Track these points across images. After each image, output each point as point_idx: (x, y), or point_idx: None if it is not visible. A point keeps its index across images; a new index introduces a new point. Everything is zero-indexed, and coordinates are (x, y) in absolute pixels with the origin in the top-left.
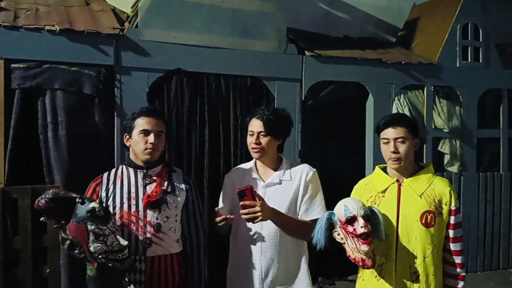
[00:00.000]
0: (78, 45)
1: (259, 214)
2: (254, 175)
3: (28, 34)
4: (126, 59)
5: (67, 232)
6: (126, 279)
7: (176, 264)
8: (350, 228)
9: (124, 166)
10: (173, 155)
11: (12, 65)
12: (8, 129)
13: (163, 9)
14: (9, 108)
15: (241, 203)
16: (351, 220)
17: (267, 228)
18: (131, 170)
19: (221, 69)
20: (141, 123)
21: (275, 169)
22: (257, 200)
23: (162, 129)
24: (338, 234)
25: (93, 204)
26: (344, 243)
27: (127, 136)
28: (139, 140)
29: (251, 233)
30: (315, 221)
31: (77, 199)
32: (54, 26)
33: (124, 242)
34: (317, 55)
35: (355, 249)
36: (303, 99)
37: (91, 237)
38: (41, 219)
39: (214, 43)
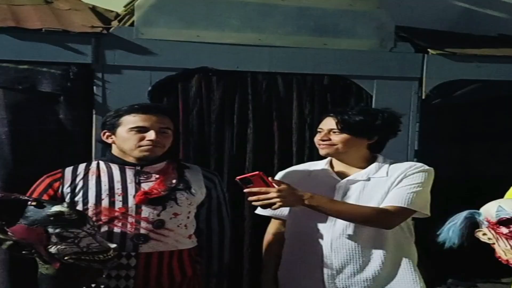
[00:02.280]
0: (32, 43)
1: (276, 200)
2: (327, 173)
3: None
4: (113, 57)
5: (9, 233)
6: (104, 276)
7: (188, 259)
8: (503, 230)
9: (101, 162)
10: (193, 153)
11: None
12: None
13: (178, 8)
14: None
15: (246, 190)
16: (506, 222)
17: (335, 224)
18: (114, 166)
19: (277, 68)
20: (132, 120)
21: (364, 168)
22: (273, 186)
23: (167, 126)
24: (484, 234)
25: (59, 208)
26: (493, 244)
27: (107, 133)
28: (129, 137)
29: (315, 230)
30: (399, 209)
31: (31, 202)
32: None
33: (111, 245)
34: (451, 53)
35: (508, 251)
36: (423, 98)
37: (53, 240)
38: None
39: (266, 42)
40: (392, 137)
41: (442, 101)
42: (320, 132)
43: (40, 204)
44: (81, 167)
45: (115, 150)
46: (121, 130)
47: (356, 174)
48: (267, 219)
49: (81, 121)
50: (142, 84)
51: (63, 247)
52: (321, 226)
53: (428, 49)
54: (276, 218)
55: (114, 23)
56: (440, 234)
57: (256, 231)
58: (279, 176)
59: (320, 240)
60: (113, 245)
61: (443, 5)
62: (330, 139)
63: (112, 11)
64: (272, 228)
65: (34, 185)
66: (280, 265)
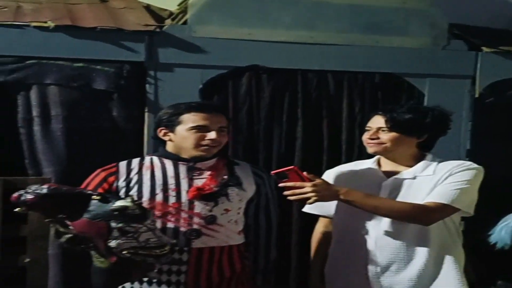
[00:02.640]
0: (86, 41)
1: (311, 194)
2: (374, 171)
3: (1, 30)
4: (165, 56)
5: (70, 227)
6: (155, 270)
7: (237, 255)
8: None
9: (155, 157)
10: (242, 150)
11: None
12: None
13: (231, 6)
14: None
15: (281, 184)
16: None
17: (380, 222)
18: (168, 162)
19: (328, 66)
20: (192, 119)
21: (412, 167)
22: (308, 180)
23: (224, 125)
24: None
25: (123, 203)
26: None
27: (164, 131)
28: (189, 135)
29: (361, 227)
30: (439, 205)
31: (94, 196)
32: (46, 22)
33: (171, 241)
34: (505, 51)
35: None
36: (476, 96)
37: (114, 234)
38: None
39: (317, 39)
40: (442, 135)
41: (495, 100)
42: (368, 130)
43: (104, 199)
44: (135, 161)
45: (170, 147)
46: (181, 129)
47: (403, 172)
48: (315, 217)
49: (133, 119)
50: (194, 82)
51: (122, 241)
52: (366, 224)
53: (482, 47)
54: (323, 217)
55: (168, 22)
56: (492, 235)
57: (304, 229)
58: (326, 174)
59: (365, 238)
60: (173, 241)
61: (497, 3)
62: (378, 138)
63: (166, 10)
64: (320, 226)
65: (89, 179)
66: (327, 262)
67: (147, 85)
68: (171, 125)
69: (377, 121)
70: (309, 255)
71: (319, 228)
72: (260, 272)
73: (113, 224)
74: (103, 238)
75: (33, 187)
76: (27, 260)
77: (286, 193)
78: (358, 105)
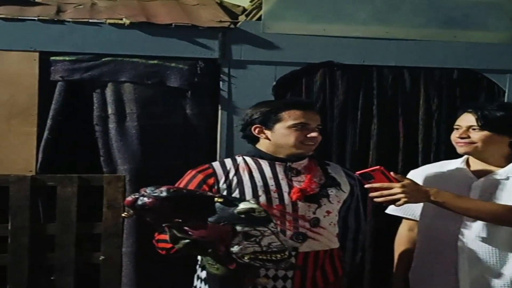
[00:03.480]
0: (161, 38)
1: (400, 195)
2: (463, 171)
3: (77, 28)
4: (239, 52)
5: (189, 232)
6: (264, 277)
7: (337, 258)
8: None
9: (247, 157)
10: (315, 148)
11: (53, 58)
12: (45, 120)
13: (305, 1)
14: (45, 100)
15: (367, 185)
16: None
17: (470, 225)
18: (264, 162)
19: (404, 62)
20: (294, 116)
21: (504, 167)
22: (395, 181)
23: (320, 123)
24: None
25: (249, 205)
26: None
27: (259, 128)
28: (290, 133)
29: (450, 230)
30: None
31: (217, 199)
32: (121, 19)
33: (295, 244)
34: None
35: None
36: None
37: (238, 238)
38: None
39: (393, 35)
40: None
41: None
42: (457, 129)
43: (227, 201)
44: (228, 162)
45: (263, 145)
46: (281, 126)
47: (495, 172)
48: (389, 219)
49: (206, 116)
50: (267, 79)
51: (246, 246)
52: (455, 228)
53: None
54: (408, 219)
55: (241, 18)
56: None
57: (377, 231)
58: (411, 174)
59: (454, 242)
60: (297, 244)
61: None
62: (469, 137)
63: (239, 6)
64: (404, 228)
65: (184, 181)
66: (411, 267)
67: (220, 82)
68: (268, 123)
69: (467, 119)
70: (383, 258)
71: (403, 230)
72: (346, 275)
73: (239, 228)
74: (225, 243)
75: (149, 189)
76: (101, 258)
77: (373, 194)
78: (435, 103)
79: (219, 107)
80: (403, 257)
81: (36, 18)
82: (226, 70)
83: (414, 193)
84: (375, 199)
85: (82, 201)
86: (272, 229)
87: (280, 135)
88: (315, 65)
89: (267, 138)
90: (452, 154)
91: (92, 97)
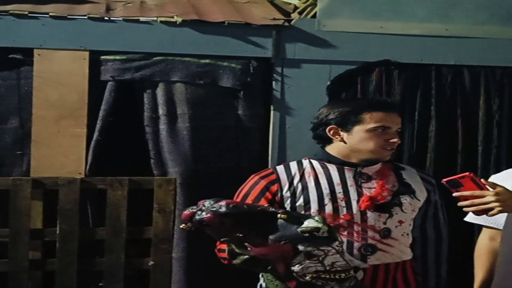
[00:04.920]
0: (213, 37)
1: (494, 204)
2: None
3: (128, 26)
4: (293, 51)
5: (248, 248)
6: None
7: (410, 271)
8: None
9: (314, 161)
10: None
11: (103, 57)
12: (95, 120)
13: None
14: (95, 100)
15: (456, 194)
16: None
17: None
18: (332, 166)
19: (464, 60)
20: (376, 118)
21: None
22: (487, 189)
23: (400, 125)
24: None
25: (315, 224)
26: None
27: (334, 129)
28: (370, 136)
29: None
30: None
31: (280, 215)
32: (173, 17)
33: (363, 265)
34: None
35: None
36: None
37: (300, 257)
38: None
39: (453, 32)
40: None
41: None
42: None
43: (291, 217)
44: (293, 166)
45: (334, 148)
46: (360, 129)
47: None
48: (465, 227)
49: (259, 117)
50: (321, 79)
51: (308, 265)
52: None
53: None
54: (489, 227)
55: (294, 15)
56: None
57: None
58: (492, 179)
59: None
60: (365, 265)
61: None
62: None
63: (290, 4)
64: (484, 238)
65: (246, 188)
66: (493, 280)
67: (273, 82)
68: (347, 124)
69: None
70: (460, 269)
71: (484, 240)
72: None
73: (301, 247)
74: (286, 262)
75: (207, 203)
76: (151, 263)
77: (463, 203)
78: (496, 103)
79: (272, 108)
80: (484, 269)
81: (86, 17)
82: (279, 69)
83: (509, 201)
84: (465, 209)
85: (132, 205)
86: (337, 248)
87: (359, 138)
88: (371, 64)
89: (342, 140)
90: None
91: (143, 98)
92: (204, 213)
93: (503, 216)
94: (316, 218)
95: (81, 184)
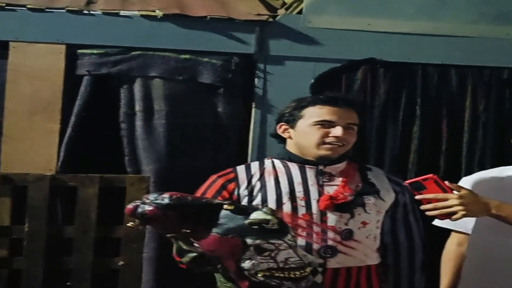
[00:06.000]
0: (195, 31)
1: (458, 208)
2: None
3: (107, 19)
4: (276, 47)
5: (195, 244)
6: None
7: (375, 277)
8: None
9: (276, 160)
10: (352, 151)
11: (80, 51)
12: (69, 116)
13: None
14: (70, 95)
15: (419, 197)
16: None
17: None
18: (293, 166)
19: (451, 60)
20: (318, 112)
21: None
22: (451, 192)
23: (355, 121)
24: None
25: (262, 216)
26: None
27: (284, 126)
28: (311, 132)
29: (506, 249)
30: None
31: (226, 206)
32: (154, 11)
33: (317, 260)
34: None
35: None
36: None
37: (249, 252)
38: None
39: (442, 31)
40: None
41: None
42: None
43: (238, 209)
44: (254, 166)
45: (291, 147)
46: (302, 124)
47: None
48: (437, 232)
49: (239, 115)
50: (305, 76)
51: (258, 261)
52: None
53: None
54: (457, 232)
55: (281, 11)
56: None
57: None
58: (462, 182)
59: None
60: (320, 260)
61: None
62: None
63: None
64: (452, 243)
65: (204, 186)
66: (459, 286)
67: (255, 79)
68: (292, 120)
69: None
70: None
71: (452, 245)
72: None
73: (249, 241)
74: (235, 258)
75: (151, 196)
76: (121, 263)
77: (425, 207)
78: (482, 104)
79: (253, 105)
80: (451, 274)
81: (64, 9)
82: (262, 66)
83: (473, 205)
84: (428, 213)
85: (103, 203)
86: (290, 242)
87: (301, 134)
88: (357, 62)
89: (290, 137)
90: (500, 159)
91: (119, 93)
92: (146, 206)
93: (472, 221)
94: (264, 209)
95: (51, 181)
